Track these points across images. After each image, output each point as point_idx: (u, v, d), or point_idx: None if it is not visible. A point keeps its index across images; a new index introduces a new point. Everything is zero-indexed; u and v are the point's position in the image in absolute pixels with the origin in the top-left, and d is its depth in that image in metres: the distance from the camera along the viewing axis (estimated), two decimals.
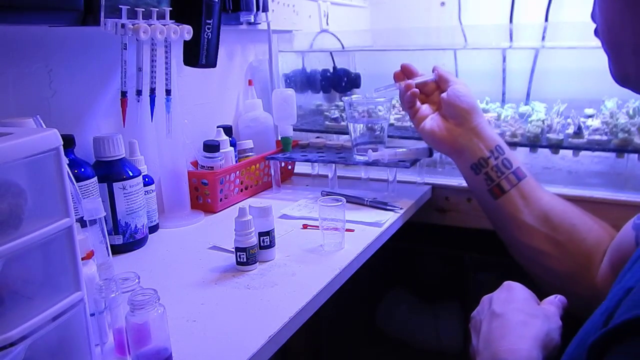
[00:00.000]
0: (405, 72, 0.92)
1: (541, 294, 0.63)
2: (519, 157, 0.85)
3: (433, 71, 0.91)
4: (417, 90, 0.89)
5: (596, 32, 0.54)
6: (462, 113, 0.85)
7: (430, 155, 0.97)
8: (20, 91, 0.72)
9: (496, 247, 0.88)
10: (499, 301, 0.60)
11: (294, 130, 1.09)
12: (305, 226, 0.85)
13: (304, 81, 1.30)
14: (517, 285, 0.62)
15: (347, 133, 1.09)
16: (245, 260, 0.69)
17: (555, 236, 0.77)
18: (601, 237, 0.76)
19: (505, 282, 0.63)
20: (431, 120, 0.88)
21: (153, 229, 0.84)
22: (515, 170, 0.82)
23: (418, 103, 0.90)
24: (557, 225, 0.78)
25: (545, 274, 0.79)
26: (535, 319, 0.57)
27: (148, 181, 0.82)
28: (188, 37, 0.78)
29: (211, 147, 0.94)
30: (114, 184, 0.75)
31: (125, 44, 0.73)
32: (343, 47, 1.34)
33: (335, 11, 1.45)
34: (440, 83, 0.90)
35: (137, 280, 0.54)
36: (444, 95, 0.88)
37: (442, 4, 1.55)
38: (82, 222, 0.58)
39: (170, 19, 0.76)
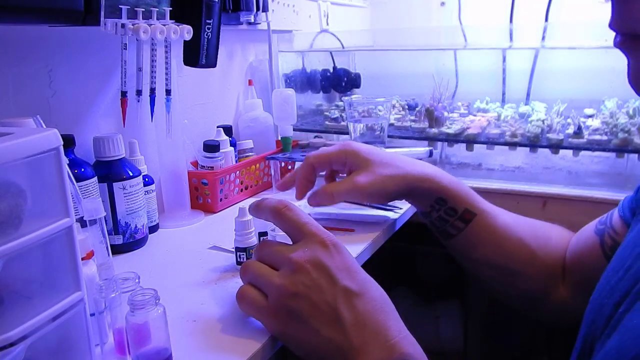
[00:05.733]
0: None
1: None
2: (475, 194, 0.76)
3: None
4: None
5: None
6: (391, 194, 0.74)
7: (430, 155, 0.97)
8: (20, 91, 0.72)
9: None
10: (343, 272, 0.50)
11: (294, 130, 1.09)
12: None
13: (304, 81, 1.30)
14: (340, 244, 0.52)
15: (347, 133, 1.09)
16: (245, 260, 0.69)
17: (513, 267, 0.72)
18: (559, 254, 0.72)
19: (327, 240, 0.51)
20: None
21: (153, 229, 0.84)
22: (462, 215, 0.73)
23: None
24: (516, 258, 0.72)
25: (516, 298, 0.75)
26: (382, 291, 0.50)
27: (148, 181, 0.82)
28: (188, 37, 0.78)
29: (211, 147, 0.94)
30: (114, 184, 0.75)
31: (125, 44, 0.73)
32: (343, 47, 1.34)
33: (335, 11, 1.45)
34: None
35: (137, 280, 0.54)
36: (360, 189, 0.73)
37: (442, 4, 1.55)
38: (82, 222, 0.58)
39: (170, 19, 0.76)
